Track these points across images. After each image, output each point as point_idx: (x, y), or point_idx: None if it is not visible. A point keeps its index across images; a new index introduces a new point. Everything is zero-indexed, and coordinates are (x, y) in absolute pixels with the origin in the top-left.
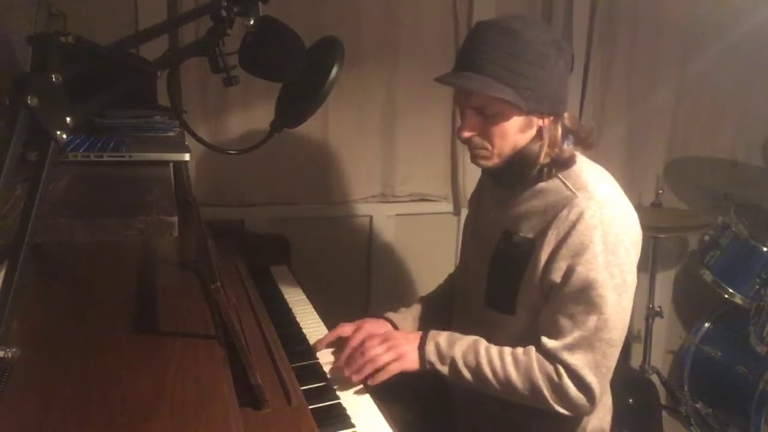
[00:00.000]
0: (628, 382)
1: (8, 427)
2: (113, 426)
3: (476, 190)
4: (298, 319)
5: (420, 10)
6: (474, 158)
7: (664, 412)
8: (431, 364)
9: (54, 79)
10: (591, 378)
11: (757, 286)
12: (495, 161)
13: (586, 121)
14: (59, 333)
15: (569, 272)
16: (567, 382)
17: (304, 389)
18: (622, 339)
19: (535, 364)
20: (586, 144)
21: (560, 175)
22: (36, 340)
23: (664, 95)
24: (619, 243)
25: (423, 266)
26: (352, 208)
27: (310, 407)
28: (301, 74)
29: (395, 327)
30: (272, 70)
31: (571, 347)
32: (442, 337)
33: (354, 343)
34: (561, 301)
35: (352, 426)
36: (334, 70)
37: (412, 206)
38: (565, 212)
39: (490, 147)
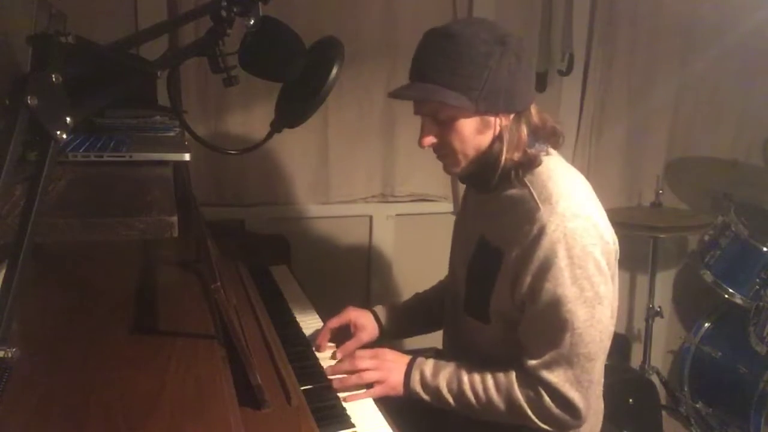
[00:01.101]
0: (628, 382)
1: (8, 427)
2: (113, 426)
3: (465, 192)
4: (298, 319)
5: (420, 9)
6: (444, 168)
7: (664, 412)
8: (416, 393)
9: (54, 79)
10: (573, 394)
11: (757, 286)
12: (463, 166)
13: (585, 124)
14: (59, 333)
15: (537, 289)
16: (547, 401)
17: (304, 389)
18: (602, 350)
19: (515, 386)
20: (552, 143)
21: (529, 183)
22: (36, 340)
23: (664, 95)
24: (586, 255)
25: (423, 266)
26: (352, 208)
27: (310, 407)
28: (301, 74)
29: (378, 320)
30: (272, 70)
31: (548, 365)
32: (428, 366)
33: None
34: (533, 318)
35: (352, 426)
36: (334, 70)
37: (412, 206)
38: (528, 227)
39: (452, 153)
